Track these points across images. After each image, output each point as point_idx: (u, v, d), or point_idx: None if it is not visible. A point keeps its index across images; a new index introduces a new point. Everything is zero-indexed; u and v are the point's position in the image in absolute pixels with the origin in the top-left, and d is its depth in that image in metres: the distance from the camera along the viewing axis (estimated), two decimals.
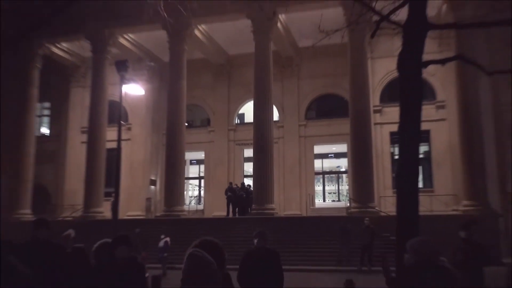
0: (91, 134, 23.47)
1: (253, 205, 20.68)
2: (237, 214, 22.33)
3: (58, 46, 25.77)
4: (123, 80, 14.42)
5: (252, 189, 21.86)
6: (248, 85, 24.27)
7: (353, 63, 20.63)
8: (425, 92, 20.47)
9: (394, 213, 6.91)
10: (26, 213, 23.36)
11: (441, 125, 22.88)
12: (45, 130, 29.95)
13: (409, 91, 6.82)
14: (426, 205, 17.71)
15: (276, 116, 24.63)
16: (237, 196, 22.52)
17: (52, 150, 27.94)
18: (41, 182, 26.60)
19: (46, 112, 29.81)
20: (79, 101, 27.75)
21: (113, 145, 16.86)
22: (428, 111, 19.84)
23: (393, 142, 23.09)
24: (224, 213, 22.96)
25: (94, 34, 23.39)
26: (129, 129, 26.83)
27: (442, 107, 22.98)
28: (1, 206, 22.32)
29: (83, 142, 25.63)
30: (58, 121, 28.80)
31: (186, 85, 22.82)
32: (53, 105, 29.34)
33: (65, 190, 27.25)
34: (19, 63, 23.80)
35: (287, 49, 25.35)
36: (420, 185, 15.01)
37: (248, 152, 24.72)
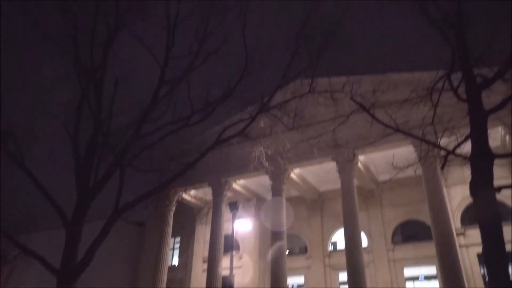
0: (210, 263, 23.67)
1: None
2: None
3: (187, 193, 27.77)
4: (234, 218, 14.98)
5: None
6: (338, 216, 23.65)
7: (430, 192, 19.49)
8: (504, 213, 18.43)
9: None
10: None
11: None
12: (175, 261, 30.84)
13: (486, 215, 6.25)
14: None
15: (365, 242, 23.28)
16: None
17: (179, 278, 28.37)
18: None
19: (176, 245, 31.03)
20: (202, 236, 28.74)
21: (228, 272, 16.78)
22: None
23: (481, 263, 20.29)
24: None
25: (214, 182, 25.07)
26: (240, 257, 26.76)
27: None
28: None
29: (204, 270, 25.84)
30: (185, 253, 29.70)
31: (285, 218, 22.84)
32: (182, 240, 30.58)
33: None
34: (159, 207, 25.76)
35: (369, 183, 24.91)
36: None
37: (343, 276, 23.06)
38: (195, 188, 26.91)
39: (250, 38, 13.59)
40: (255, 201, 28.19)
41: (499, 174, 7.60)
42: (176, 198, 26.87)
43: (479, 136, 7.01)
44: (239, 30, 13.73)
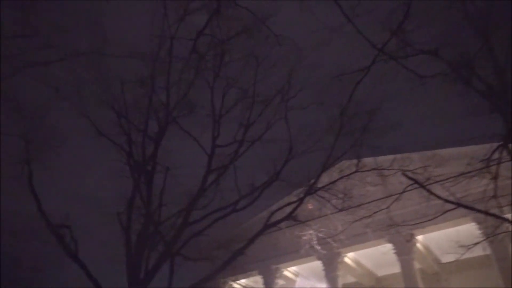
0: None
1: None
2: None
3: (237, 282, 26.63)
4: None
5: None
6: None
7: (503, 272, 17.37)
8: None
9: None
10: None
11: None
12: None
13: None
14: None
15: None
16: None
17: None
18: None
19: None
20: None
21: None
22: None
23: None
24: None
25: (264, 270, 24.00)
26: None
27: None
28: None
29: None
30: None
31: None
32: None
33: None
34: None
35: (432, 266, 22.77)
36: None
37: None
38: (245, 277, 25.81)
39: (293, 121, 13.91)
40: None
41: None
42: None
43: None
44: (282, 115, 14.15)
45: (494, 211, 9.11)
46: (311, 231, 15.51)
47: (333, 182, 14.38)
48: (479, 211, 9.15)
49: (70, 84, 14.03)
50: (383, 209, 11.72)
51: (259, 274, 24.30)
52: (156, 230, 13.45)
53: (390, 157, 13.16)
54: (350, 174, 14.11)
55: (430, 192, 9.24)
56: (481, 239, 10.93)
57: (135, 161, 13.96)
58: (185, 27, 13.81)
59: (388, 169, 12.66)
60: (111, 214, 13.66)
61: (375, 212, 11.70)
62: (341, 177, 14.30)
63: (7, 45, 11.25)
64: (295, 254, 21.29)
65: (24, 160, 13.09)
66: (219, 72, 13.80)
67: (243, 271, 24.22)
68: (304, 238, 15.71)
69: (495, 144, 8.78)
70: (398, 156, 12.47)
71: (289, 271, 25.03)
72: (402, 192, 10.89)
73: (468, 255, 10.74)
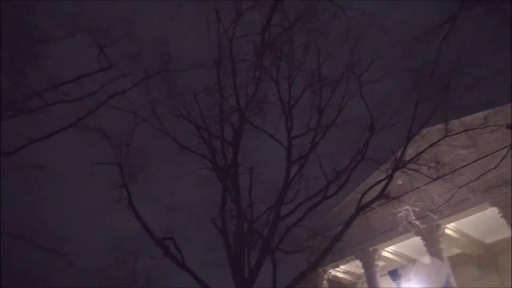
0: None
1: None
2: None
3: (337, 269, 26.35)
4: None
5: None
6: None
7: None
8: None
9: None
10: None
11: None
12: None
13: None
14: None
15: None
16: None
17: None
18: None
19: None
20: None
21: None
22: None
23: None
24: None
25: (361, 253, 23.45)
26: None
27: None
28: None
29: None
30: None
31: (453, 281, 19.79)
32: None
33: None
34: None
35: None
36: None
37: None
38: (344, 263, 25.45)
39: (368, 97, 13.40)
40: (411, 266, 25.33)
41: None
42: (326, 277, 25.63)
43: None
44: (354, 93, 13.71)
45: None
46: (406, 207, 14.84)
47: (421, 152, 13.61)
48: None
49: (146, 106, 14.90)
50: (490, 170, 10.74)
51: (356, 258, 23.80)
52: (251, 229, 13.75)
53: (481, 114, 12.11)
54: (439, 140, 13.23)
55: None
56: None
57: (219, 167, 14.38)
58: (240, 27, 13.99)
59: (482, 127, 11.65)
60: (206, 220, 14.25)
61: (481, 175, 10.77)
62: (430, 145, 13.47)
63: (88, 82, 12.30)
64: (392, 232, 20.59)
65: (121, 184, 14.13)
66: (293, 59, 13.63)
67: (340, 257, 23.94)
68: (399, 215, 15.08)
69: None
70: (491, 111, 11.41)
71: (388, 251, 24.20)
72: (504, 147, 9.97)
73: None
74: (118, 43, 11.52)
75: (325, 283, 25.30)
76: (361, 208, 13.73)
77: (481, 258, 23.38)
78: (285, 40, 13.39)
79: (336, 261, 24.60)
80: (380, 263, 23.61)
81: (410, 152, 14.22)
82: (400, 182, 15.82)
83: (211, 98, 15.03)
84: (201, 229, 14.79)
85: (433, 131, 14.65)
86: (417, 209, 15.03)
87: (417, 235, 19.84)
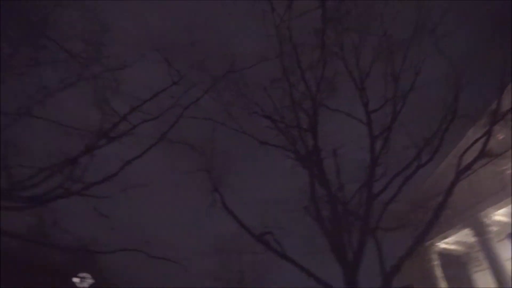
0: None
1: None
2: None
3: (446, 241, 24.73)
4: None
5: None
6: None
7: None
8: None
9: None
10: None
11: None
12: None
13: None
14: None
15: None
16: None
17: None
18: None
19: None
20: (484, 284, 24.36)
21: None
22: None
23: None
24: None
25: (470, 221, 21.69)
26: None
27: None
28: None
29: None
30: None
31: None
32: None
33: None
34: (423, 265, 23.49)
35: None
36: None
37: None
38: (453, 233, 23.79)
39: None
40: None
41: None
42: (436, 251, 24.16)
43: None
44: (431, 52, 12.72)
45: None
46: None
47: None
48: None
49: (220, 109, 15.31)
50: None
51: (465, 227, 22.05)
52: (346, 211, 13.45)
53: None
54: None
55: None
56: None
57: (302, 155, 14.30)
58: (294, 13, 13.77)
59: None
60: (300, 209, 14.24)
61: None
62: None
63: (164, 97, 13.02)
64: (501, 193, 18.72)
65: (212, 188, 14.72)
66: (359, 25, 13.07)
67: (448, 228, 22.43)
68: (508, 172, 13.68)
69: None
70: None
71: (500, 215, 22.07)
72: None
73: None
74: (184, 54, 12.01)
75: (435, 256, 23.86)
76: (461, 172, 12.70)
77: None
78: (344, 11, 12.88)
79: (443, 232, 23.11)
80: (494, 229, 21.62)
81: (506, 102, 12.84)
82: (501, 137, 14.37)
83: (280, 90, 15.00)
84: (297, 220, 14.81)
85: None
86: None
87: None
